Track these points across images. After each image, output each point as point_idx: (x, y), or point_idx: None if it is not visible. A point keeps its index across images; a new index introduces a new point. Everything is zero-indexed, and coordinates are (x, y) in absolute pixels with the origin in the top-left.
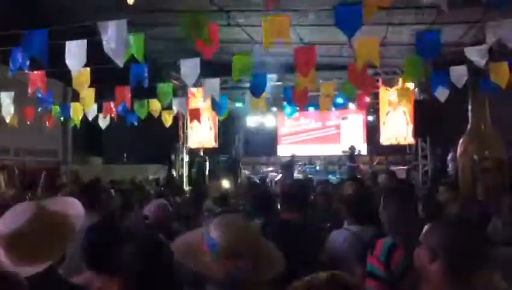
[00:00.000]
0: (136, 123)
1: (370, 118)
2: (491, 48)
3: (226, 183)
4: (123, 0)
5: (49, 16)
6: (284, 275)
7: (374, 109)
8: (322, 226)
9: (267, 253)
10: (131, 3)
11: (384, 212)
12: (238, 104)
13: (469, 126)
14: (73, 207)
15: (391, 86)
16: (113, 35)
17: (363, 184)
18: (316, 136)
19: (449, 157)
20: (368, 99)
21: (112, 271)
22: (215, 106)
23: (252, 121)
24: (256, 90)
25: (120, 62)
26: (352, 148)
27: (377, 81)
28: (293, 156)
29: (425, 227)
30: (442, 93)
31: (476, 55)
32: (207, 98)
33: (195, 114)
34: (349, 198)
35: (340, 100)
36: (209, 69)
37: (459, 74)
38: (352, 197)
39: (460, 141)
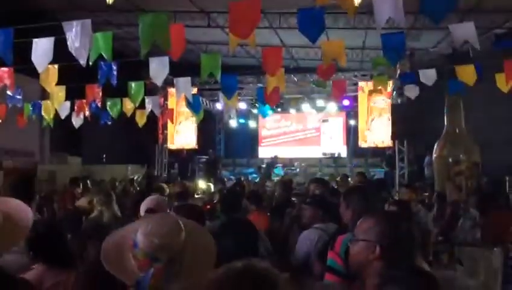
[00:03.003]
0: (109, 122)
1: (351, 120)
2: (456, 50)
3: (202, 184)
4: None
5: (22, 13)
6: None
7: (354, 112)
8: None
9: (193, 255)
10: (110, 2)
11: (345, 211)
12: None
13: (444, 129)
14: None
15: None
16: (77, 35)
17: (327, 185)
18: (297, 138)
19: (426, 160)
20: (347, 102)
21: (64, 264)
22: (189, 105)
23: (233, 122)
24: (228, 90)
25: (83, 61)
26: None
27: (355, 84)
28: (275, 157)
29: (359, 222)
30: (411, 92)
31: (441, 56)
32: (180, 97)
33: (169, 114)
34: (313, 199)
35: (320, 103)
36: (190, 69)
37: (428, 76)
38: (318, 196)
39: (436, 144)
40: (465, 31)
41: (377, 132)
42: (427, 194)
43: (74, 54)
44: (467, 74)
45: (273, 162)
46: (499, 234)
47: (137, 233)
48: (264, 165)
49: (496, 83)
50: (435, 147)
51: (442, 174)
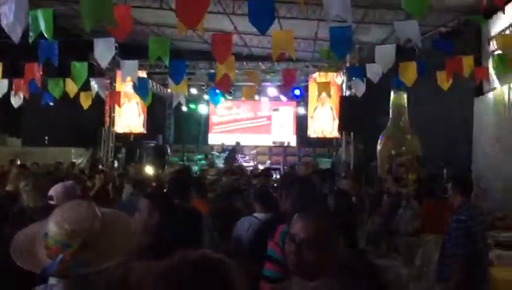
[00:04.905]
0: (51, 103)
1: (301, 110)
2: (400, 47)
3: (149, 170)
4: None
5: None
6: None
7: (304, 102)
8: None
9: (111, 240)
10: None
11: (284, 201)
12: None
13: (389, 122)
14: None
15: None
16: (12, 9)
17: (268, 176)
18: (248, 126)
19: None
20: (297, 92)
21: None
22: (136, 89)
23: (183, 107)
24: (176, 76)
25: (17, 38)
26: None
27: (307, 75)
28: (238, 144)
29: (303, 222)
30: (359, 88)
31: (384, 53)
32: (124, 80)
33: (116, 97)
34: (256, 188)
35: (272, 92)
36: (141, 51)
37: (373, 71)
38: (259, 187)
39: (381, 136)
40: (409, 28)
41: (319, 121)
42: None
43: (6, 30)
44: (408, 71)
45: (235, 149)
46: (435, 223)
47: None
48: (224, 154)
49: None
50: (380, 139)
51: (384, 165)
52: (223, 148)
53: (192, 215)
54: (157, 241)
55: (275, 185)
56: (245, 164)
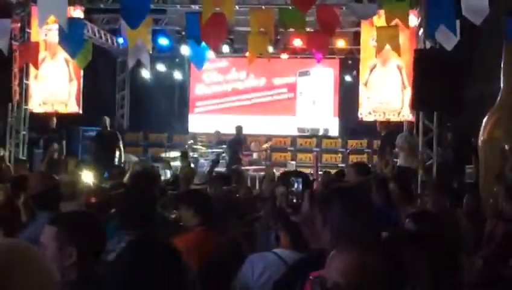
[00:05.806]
0: None
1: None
2: None
3: (87, 176)
4: None
5: None
6: None
7: (353, 60)
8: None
9: (16, 286)
10: None
11: (322, 228)
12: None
13: (498, 98)
14: None
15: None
16: None
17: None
18: (256, 101)
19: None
20: (341, 43)
21: None
22: (65, 38)
23: (145, 71)
24: (132, 15)
25: None
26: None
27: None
28: (239, 129)
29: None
30: (448, 38)
31: None
32: (43, 23)
33: (31, 52)
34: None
35: (298, 43)
36: None
37: (474, 7)
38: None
39: (485, 120)
40: None
41: (379, 90)
42: None
43: None
44: None
45: (238, 139)
46: None
47: None
48: (216, 149)
49: None
50: (483, 124)
51: (491, 168)
52: (218, 139)
53: (172, 258)
54: None
55: (294, 200)
56: (250, 169)
